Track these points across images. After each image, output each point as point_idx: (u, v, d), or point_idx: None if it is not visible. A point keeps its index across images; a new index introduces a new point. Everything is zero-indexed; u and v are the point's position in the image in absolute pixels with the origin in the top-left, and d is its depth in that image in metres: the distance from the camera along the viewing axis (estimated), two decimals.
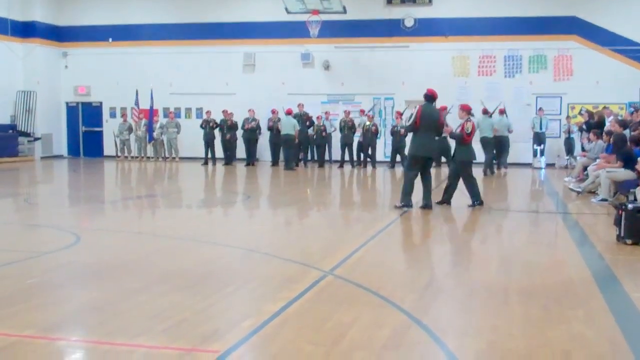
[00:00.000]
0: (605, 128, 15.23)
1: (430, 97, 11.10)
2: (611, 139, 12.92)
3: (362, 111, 21.70)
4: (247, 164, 21.59)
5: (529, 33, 21.48)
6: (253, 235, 8.91)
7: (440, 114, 11.38)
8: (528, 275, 6.62)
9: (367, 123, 20.70)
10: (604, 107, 19.72)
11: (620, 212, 8.08)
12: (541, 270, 6.92)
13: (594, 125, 17.39)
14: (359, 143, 20.97)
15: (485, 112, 18.90)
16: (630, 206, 8.03)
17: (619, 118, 17.14)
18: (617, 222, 8.14)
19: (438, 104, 11.72)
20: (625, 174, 11.94)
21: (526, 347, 4.43)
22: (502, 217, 11.26)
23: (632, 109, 17.99)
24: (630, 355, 4.32)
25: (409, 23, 22.74)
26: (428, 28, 22.46)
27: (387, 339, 4.56)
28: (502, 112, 19.66)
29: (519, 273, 6.78)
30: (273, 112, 21.84)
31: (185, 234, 8.81)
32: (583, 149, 17.44)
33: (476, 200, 11.34)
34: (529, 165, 20.94)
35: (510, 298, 5.67)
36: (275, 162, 21.65)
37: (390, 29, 22.73)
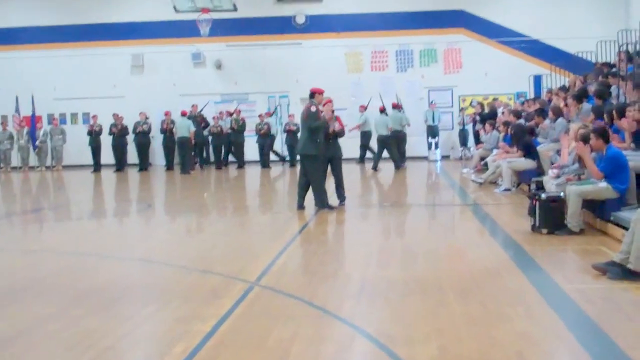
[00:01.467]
0: (500, 119, 15.58)
1: (310, 94, 10.65)
2: (509, 130, 13.18)
3: (269, 114, 21.51)
4: (140, 170, 20.73)
5: (418, 27, 21.79)
6: (162, 247, 8.40)
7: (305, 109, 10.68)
8: (456, 272, 6.52)
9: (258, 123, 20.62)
10: (494, 99, 20.31)
11: (534, 201, 8.16)
12: (467, 265, 6.87)
13: (487, 116, 17.84)
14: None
15: (381, 110, 19.04)
16: (544, 196, 8.12)
17: (510, 108, 17.67)
18: (532, 212, 8.22)
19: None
20: (526, 164, 12.23)
21: (477, 350, 4.27)
22: (412, 212, 11.24)
23: (522, 99, 18.63)
24: (581, 351, 4.25)
25: (300, 20, 22.57)
26: (319, 25, 22.37)
27: (334, 354, 4.29)
28: (396, 106, 19.66)
29: (446, 269, 6.68)
30: (166, 114, 21.11)
31: (88, 249, 8.20)
32: (478, 141, 17.83)
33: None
34: (424, 158, 21.26)
35: (446, 297, 5.52)
36: (170, 166, 20.92)
37: (281, 26, 22.49)
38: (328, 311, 5.19)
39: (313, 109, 10.35)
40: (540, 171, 11.99)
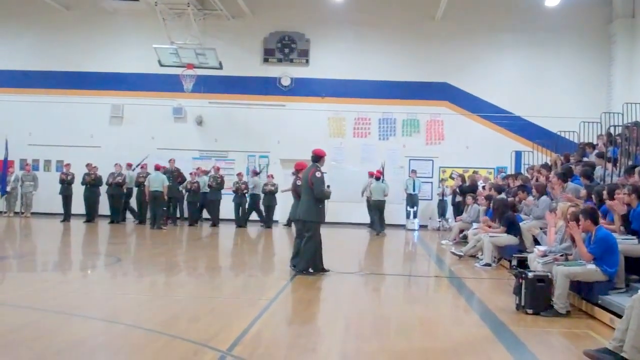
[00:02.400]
0: (481, 192, 15.45)
1: (314, 157, 10.61)
2: (492, 204, 13.01)
3: (255, 172, 21.29)
4: (112, 222, 20.20)
5: (402, 97, 21.91)
6: (130, 307, 7.92)
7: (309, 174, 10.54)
8: (441, 350, 6.20)
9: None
10: (474, 172, 20.29)
11: (520, 280, 7.91)
12: (453, 343, 6.54)
13: (468, 189, 17.74)
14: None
15: (378, 177, 19.19)
16: (530, 275, 7.88)
17: (491, 183, 17.63)
18: (517, 291, 7.96)
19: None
20: (508, 239, 12.05)
21: None
22: (392, 282, 10.95)
23: (502, 174, 18.62)
24: None
25: (286, 82, 22.59)
26: (304, 88, 22.40)
27: None
28: (379, 176, 19.76)
29: (431, 346, 6.33)
30: (142, 167, 20.78)
31: (51, 305, 7.68)
32: (458, 212, 17.69)
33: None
34: (402, 226, 21.03)
35: None
36: (142, 220, 20.44)
37: (266, 87, 22.47)
38: None
39: (318, 174, 10.22)
40: (522, 247, 11.83)
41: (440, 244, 16.26)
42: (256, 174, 21.12)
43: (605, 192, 9.10)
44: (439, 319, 8.00)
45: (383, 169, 20.35)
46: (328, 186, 10.75)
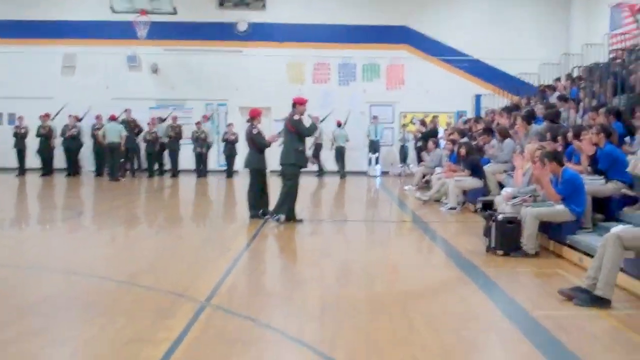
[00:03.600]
0: (447, 137, 15.46)
1: (293, 104, 10.46)
2: (459, 149, 13.00)
3: (206, 117, 21.04)
4: (68, 175, 19.77)
5: (362, 42, 21.66)
6: (97, 260, 7.73)
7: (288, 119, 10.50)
8: (418, 293, 6.27)
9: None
10: (434, 116, 20.33)
11: (490, 222, 7.97)
12: (429, 286, 6.62)
13: (430, 134, 17.77)
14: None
15: (339, 124, 19.44)
16: (500, 217, 7.94)
17: (454, 127, 17.67)
18: (487, 233, 8.03)
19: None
20: (472, 182, 12.14)
21: None
22: (362, 227, 10.97)
23: (464, 118, 18.67)
24: None
25: (242, 27, 22.11)
26: (262, 33, 21.97)
27: None
28: (340, 124, 19.90)
29: (409, 290, 6.39)
30: (97, 118, 20.28)
31: (19, 261, 7.51)
32: (420, 158, 17.73)
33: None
34: (364, 173, 21.05)
35: (414, 321, 5.19)
36: (99, 172, 20.05)
37: (222, 32, 21.96)
38: (290, 335, 4.79)
39: (297, 117, 10.07)
40: (486, 191, 11.93)
41: (403, 189, 16.31)
42: (206, 119, 20.83)
43: (570, 134, 9.19)
44: (412, 263, 8.08)
45: (347, 118, 20.37)
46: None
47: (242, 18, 22.09)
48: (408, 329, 5.02)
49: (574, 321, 5.28)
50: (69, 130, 19.95)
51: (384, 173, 21.16)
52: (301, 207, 11.18)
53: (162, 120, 20.85)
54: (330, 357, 4.34)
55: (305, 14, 21.80)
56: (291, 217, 10.34)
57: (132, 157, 20.46)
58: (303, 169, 10.58)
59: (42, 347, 4.49)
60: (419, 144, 18.52)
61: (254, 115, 10.98)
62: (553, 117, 10.66)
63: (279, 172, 10.65)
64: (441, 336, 4.86)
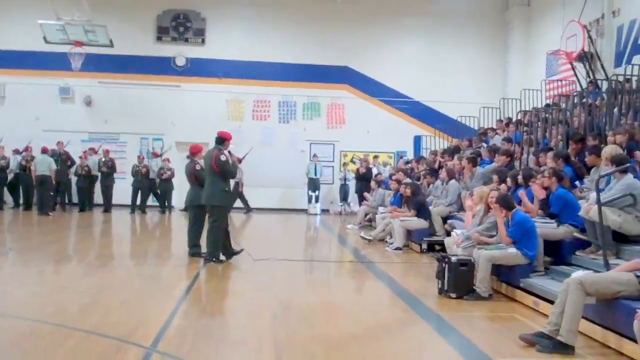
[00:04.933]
0: (393, 177, 15.35)
1: (217, 139, 10.12)
2: (406, 189, 12.89)
3: (155, 153, 20.41)
4: None
5: (303, 80, 21.62)
6: (31, 300, 7.21)
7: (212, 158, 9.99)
8: (376, 337, 6.02)
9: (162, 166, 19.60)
10: (375, 156, 20.37)
11: (443, 264, 7.82)
12: (386, 331, 6.39)
13: (364, 175, 17.79)
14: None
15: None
16: (454, 259, 7.81)
17: (393, 167, 17.71)
18: (440, 275, 7.87)
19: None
20: (418, 223, 12.04)
21: None
22: (306, 267, 10.70)
23: (404, 159, 18.75)
24: None
25: (181, 62, 21.81)
26: (201, 68, 21.71)
27: None
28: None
29: (365, 334, 6.14)
30: (26, 149, 19.48)
31: None
32: (363, 198, 17.59)
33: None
34: (304, 211, 20.80)
35: None
36: (28, 206, 19.18)
37: (160, 66, 21.61)
38: None
39: (223, 157, 9.74)
40: (431, 231, 11.87)
41: (345, 228, 16.13)
42: (157, 156, 20.31)
43: (520, 177, 9.21)
44: (365, 304, 7.90)
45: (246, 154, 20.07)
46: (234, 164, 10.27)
47: (181, 53, 21.79)
48: None
49: None
50: None
51: (324, 211, 20.97)
52: (242, 246, 10.80)
53: (95, 151, 20.22)
54: None
55: (246, 51, 21.67)
56: (227, 253, 10.02)
57: (63, 190, 19.68)
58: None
59: None
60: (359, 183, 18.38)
61: (195, 152, 10.70)
62: (511, 153, 10.74)
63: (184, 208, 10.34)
64: None
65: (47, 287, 8.32)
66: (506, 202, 7.86)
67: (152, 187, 19.84)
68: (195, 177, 10.47)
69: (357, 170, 18.56)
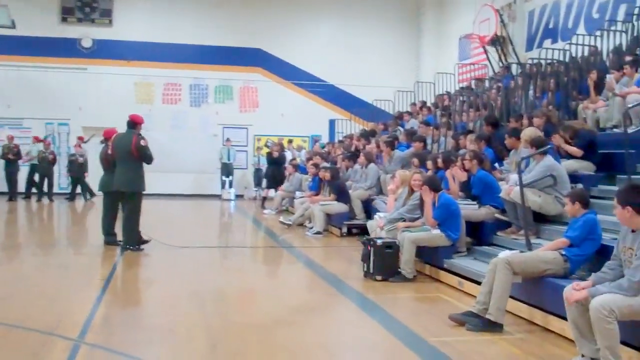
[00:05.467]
0: (310, 161, 15.33)
1: (130, 123, 9.79)
2: (324, 173, 12.91)
3: (36, 138, 19.52)
4: None
5: (215, 63, 21.22)
6: None
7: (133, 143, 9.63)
8: (305, 321, 5.98)
9: (42, 150, 18.67)
10: (289, 140, 20.33)
11: (369, 247, 7.88)
12: (317, 314, 6.40)
13: (277, 159, 17.75)
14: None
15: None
16: (379, 242, 7.88)
17: (309, 151, 17.72)
18: (366, 258, 7.93)
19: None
20: (338, 207, 12.10)
21: None
22: (229, 253, 10.61)
23: (321, 143, 18.80)
24: None
25: (87, 44, 20.99)
26: (108, 50, 20.93)
27: None
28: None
29: (298, 319, 6.10)
30: None
31: None
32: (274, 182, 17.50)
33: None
34: (217, 196, 20.53)
35: (315, 357, 4.92)
36: None
37: (65, 48, 20.69)
38: None
39: (143, 142, 9.44)
40: (351, 215, 11.95)
41: (263, 213, 16.02)
42: (82, 141, 19.55)
43: (440, 160, 9.37)
44: (290, 288, 7.93)
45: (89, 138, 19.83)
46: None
47: (87, 34, 20.97)
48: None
49: (472, 346, 5.26)
50: None
51: (238, 196, 20.76)
52: (156, 233, 10.52)
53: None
54: None
55: (156, 33, 21.04)
56: (138, 240, 9.76)
57: None
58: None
59: None
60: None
61: (108, 136, 10.36)
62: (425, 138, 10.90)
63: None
64: None
65: None
66: (434, 184, 7.98)
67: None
68: (108, 162, 10.13)
69: (271, 154, 18.34)
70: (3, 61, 20.15)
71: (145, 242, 9.89)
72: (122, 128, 10.04)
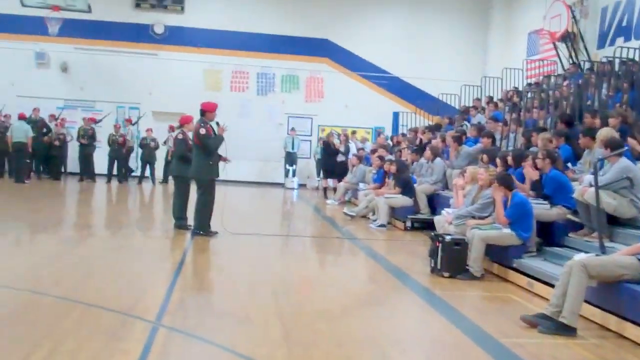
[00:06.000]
0: (375, 154, 15.30)
1: (200, 111, 9.91)
2: (389, 165, 12.91)
3: (129, 120, 20.17)
4: None
5: (282, 52, 21.42)
6: (26, 271, 7.07)
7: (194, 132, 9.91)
8: (378, 316, 6.04)
9: (112, 133, 19.21)
10: (353, 132, 20.36)
11: (437, 243, 7.87)
12: (388, 309, 6.42)
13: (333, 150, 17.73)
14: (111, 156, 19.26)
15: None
16: (448, 238, 7.85)
17: (375, 143, 17.69)
18: (433, 254, 7.92)
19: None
20: (403, 200, 12.07)
21: None
22: (296, 242, 10.75)
23: (387, 135, 18.78)
24: None
25: (159, 30, 21.44)
26: (179, 37, 21.36)
27: None
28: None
29: (371, 314, 6.14)
30: (6, 116, 19.03)
31: None
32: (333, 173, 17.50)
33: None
34: (280, 185, 20.74)
35: (387, 350, 4.97)
36: (1, 174, 18.77)
37: (138, 34, 21.22)
38: None
39: (202, 131, 9.54)
40: (416, 208, 11.93)
41: (326, 204, 16.12)
42: (131, 123, 20.03)
43: (510, 157, 9.26)
44: (358, 279, 7.97)
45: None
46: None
47: (159, 20, 21.41)
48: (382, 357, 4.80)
49: (544, 349, 5.21)
50: None
51: (301, 186, 20.92)
52: (226, 220, 10.67)
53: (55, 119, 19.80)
54: None
55: (225, 21, 21.36)
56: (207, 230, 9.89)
57: (39, 159, 19.31)
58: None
59: None
60: (340, 158, 18.20)
61: (184, 123, 10.55)
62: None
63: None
64: None
65: (39, 256, 8.14)
66: (507, 182, 7.89)
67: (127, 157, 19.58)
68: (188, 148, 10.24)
69: (328, 144, 18.19)
70: (77, 45, 20.73)
71: (214, 233, 9.92)
72: (191, 114, 10.28)
